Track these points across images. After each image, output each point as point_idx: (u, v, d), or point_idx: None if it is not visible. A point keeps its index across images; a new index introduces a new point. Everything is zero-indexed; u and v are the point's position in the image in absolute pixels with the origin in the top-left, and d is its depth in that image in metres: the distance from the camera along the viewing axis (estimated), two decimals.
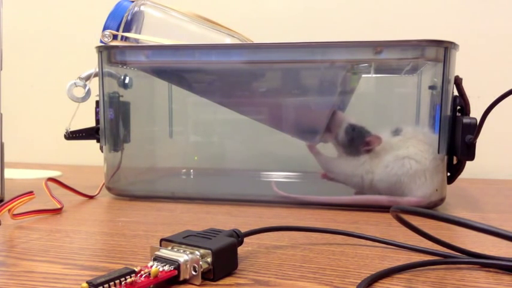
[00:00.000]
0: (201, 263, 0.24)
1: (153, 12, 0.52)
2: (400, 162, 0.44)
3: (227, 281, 0.25)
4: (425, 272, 0.27)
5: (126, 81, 0.53)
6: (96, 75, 0.51)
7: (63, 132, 0.53)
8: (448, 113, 0.44)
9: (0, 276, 0.26)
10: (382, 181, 0.45)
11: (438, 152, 0.44)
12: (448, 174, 0.47)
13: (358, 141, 0.47)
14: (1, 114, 0.46)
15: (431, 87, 0.45)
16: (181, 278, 0.24)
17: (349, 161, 0.47)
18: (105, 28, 0.50)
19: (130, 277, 0.22)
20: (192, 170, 0.61)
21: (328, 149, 0.49)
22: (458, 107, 0.46)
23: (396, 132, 0.46)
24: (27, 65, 0.91)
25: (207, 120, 0.59)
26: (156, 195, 0.51)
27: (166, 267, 0.24)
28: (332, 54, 0.46)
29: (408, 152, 0.44)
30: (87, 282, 0.21)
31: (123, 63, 0.51)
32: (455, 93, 0.46)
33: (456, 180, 0.47)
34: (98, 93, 0.51)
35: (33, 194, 0.38)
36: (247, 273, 0.26)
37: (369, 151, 0.46)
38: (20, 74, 0.90)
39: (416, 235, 0.29)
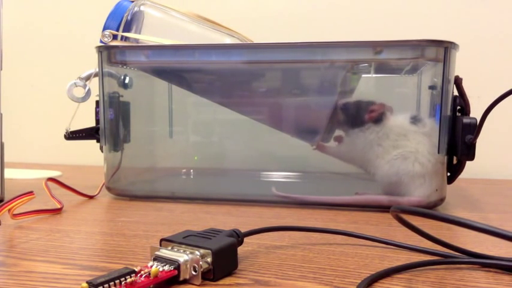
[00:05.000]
0: (201, 263, 0.24)
1: (153, 12, 0.52)
2: (404, 162, 0.44)
3: (227, 281, 0.25)
4: (425, 272, 0.27)
5: (126, 81, 0.53)
6: (96, 75, 0.51)
7: (63, 132, 0.53)
8: (448, 113, 0.44)
9: (0, 276, 0.26)
10: (384, 177, 0.45)
11: (438, 152, 0.44)
12: (448, 174, 0.47)
13: (359, 113, 0.46)
14: (1, 114, 0.46)
15: (431, 87, 0.45)
16: (181, 278, 0.24)
17: (357, 136, 0.46)
18: (105, 28, 0.50)
19: (131, 277, 0.22)
20: (192, 170, 0.61)
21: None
22: (458, 107, 0.46)
23: (414, 120, 0.45)
24: (27, 65, 0.91)
25: (207, 120, 0.59)
26: (156, 195, 0.51)
27: (166, 267, 0.24)
28: (332, 54, 0.46)
29: (417, 150, 0.44)
30: (87, 282, 0.21)
31: (123, 63, 0.51)
32: (455, 93, 0.46)
33: (456, 180, 0.47)
34: (98, 93, 0.51)
35: (33, 194, 0.38)
36: (247, 273, 0.26)
37: (376, 120, 0.45)
38: (20, 74, 0.90)
39: (416, 235, 0.29)
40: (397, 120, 0.46)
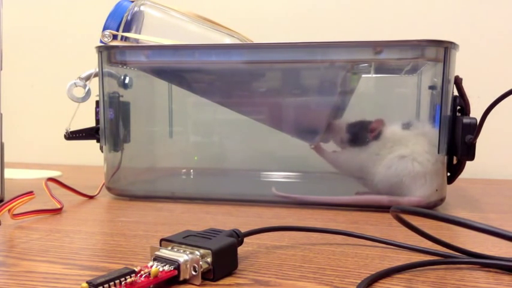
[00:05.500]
0: (201, 263, 0.24)
1: (153, 12, 0.52)
2: (403, 163, 0.44)
3: (227, 281, 0.25)
4: (425, 272, 0.27)
5: (126, 81, 0.53)
6: (96, 75, 0.51)
7: (63, 132, 0.53)
8: (448, 113, 0.44)
9: (0, 276, 0.26)
10: (383, 181, 0.45)
11: (438, 152, 0.44)
12: (448, 174, 0.47)
13: (363, 133, 0.47)
14: (1, 114, 0.46)
15: (431, 87, 0.45)
16: (181, 278, 0.24)
17: (357, 151, 0.47)
18: (105, 28, 0.50)
19: (130, 277, 0.22)
20: (192, 170, 0.61)
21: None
22: (458, 107, 0.46)
23: (407, 125, 0.46)
24: (27, 65, 0.91)
25: (207, 120, 0.59)
26: (156, 195, 0.51)
27: (166, 267, 0.24)
28: (332, 54, 0.46)
29: (413, 151, 0.44)
30: (87, 282, 0.21)
31: (123, 63, 0.51)
32: (455, 93, 0.46)
33: (456, 180, 0.47)
34: (98, 93, 0.51)
35: (33, 194, 0.38)
36: (247, 273, 0.26)
37: (376, 136, 0.46)
38: (20, 74, 0.90)
39: (416, 235, 0.29)
40: (393, 129, 0.46)
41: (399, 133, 0.46)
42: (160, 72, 0.54)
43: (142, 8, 0.52)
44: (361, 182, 0.47)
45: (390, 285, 0.25)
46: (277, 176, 0.57)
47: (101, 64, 0.50)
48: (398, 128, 0.46)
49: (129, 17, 0.50)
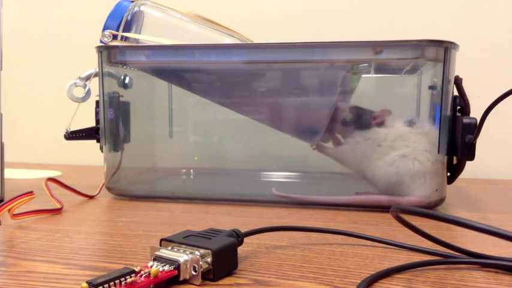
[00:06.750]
0: (201, 263, 0.24)
1: (153, 12, 0.52)
2: (404, 161, 0.44)
3: (227, 281, 0.25)
4: (425, 272, 0.27)
5: (126, 81, 0.53)
6: (96, 75, 0.51)
7: (63, 132, 0.53)
8: (448, 113, 0.44)
9: (0, 276, 0.26)
10: (383, 178, 0.45)
11: (438, 152, 0.44)
12: (448, 174, 0.47)
13: (365, 117, 0.47)
14: (1, 114, 0.47)
15: (431, 87, 0.45)
16: (181, 278, 0.24)
17: (359, 140, 0.47)
18: (105, 28, 0.50)
19: (130, 277, 0.22)
20: (192, 170, 0.61)
21: None
22: (458, 107, 0.46)
23: (410, 123, 0.46)
24: (27, 65, 0.91)
25: (207, 120, 0.59)
26: (156, 195, 0.51)
27: (166, 267, 0.24)
28: (332, 54, 0.46)
29: (414, 149, 0.44)
30: (87, 282, 0.21)
31: (123, 63, 0.51)
32: (455, 93, 0.46)
33: (456, 180, 0.47)
34: (98, 93, 0.51)
35: (33, 194, 0.38)
36: (247, 273, 0.26)
37: (379, 124, 0.46)
38: (20, 74, 0.90)
39: (416, 235, 0.29)
40: (396, 123, 0.46)
41: (402, 129, 0.46)
42: (161, 72, 0.54)
43: (142, 8, 0.52)
44: (362, 177, 0.47)
45: (390, 285, 0.25)
46: (277, 176, 0.57)
47: (101, 64, 0.50)
48: (401, 124, 0.46)
49: (129, 17, 0.50)
